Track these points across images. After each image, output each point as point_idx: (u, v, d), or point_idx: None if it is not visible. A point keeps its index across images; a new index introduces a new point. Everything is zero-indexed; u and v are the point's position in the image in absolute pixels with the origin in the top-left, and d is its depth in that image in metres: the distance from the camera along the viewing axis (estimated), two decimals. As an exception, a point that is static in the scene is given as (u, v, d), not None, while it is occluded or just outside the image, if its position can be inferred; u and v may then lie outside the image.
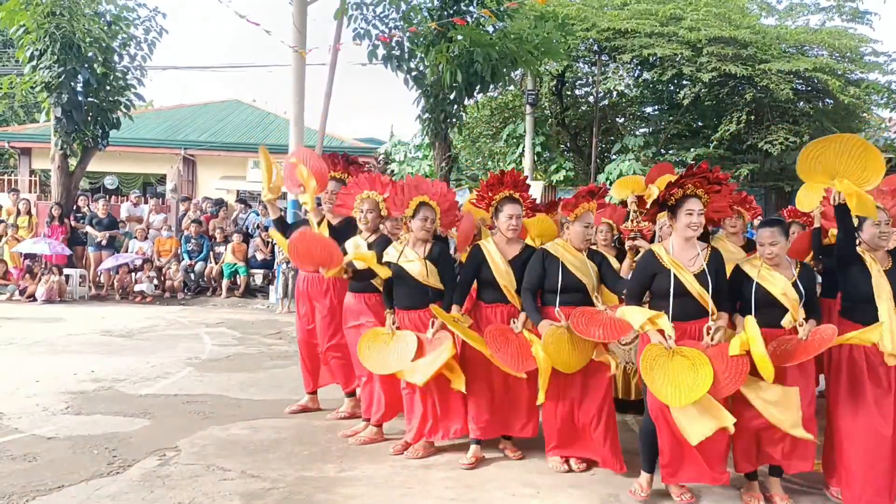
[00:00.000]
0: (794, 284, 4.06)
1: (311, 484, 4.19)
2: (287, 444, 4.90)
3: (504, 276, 4.67)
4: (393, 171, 20.84)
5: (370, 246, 5.03)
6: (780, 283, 4.05)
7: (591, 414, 4.47)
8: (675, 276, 4.07)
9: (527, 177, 5.11)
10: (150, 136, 20.75)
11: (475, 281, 4.84)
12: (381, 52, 11.89)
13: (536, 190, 16.44)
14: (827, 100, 17.69)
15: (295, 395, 6.02)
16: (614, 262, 5.13)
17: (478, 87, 12.26)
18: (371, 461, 4.61)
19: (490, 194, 4.85)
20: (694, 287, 4.06)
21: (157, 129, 21.40)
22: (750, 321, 3.92)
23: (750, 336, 3.85)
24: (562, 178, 19.37)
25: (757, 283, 4.07)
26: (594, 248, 4.99)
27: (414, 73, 12.02)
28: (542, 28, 11.58)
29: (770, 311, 4.05)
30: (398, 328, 4.81)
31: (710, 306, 4.06)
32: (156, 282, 12.88)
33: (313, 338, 5.61)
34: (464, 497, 4.08)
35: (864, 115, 18.57)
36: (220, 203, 14.90)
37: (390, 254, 4.88)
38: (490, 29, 11.90)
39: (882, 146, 17.88)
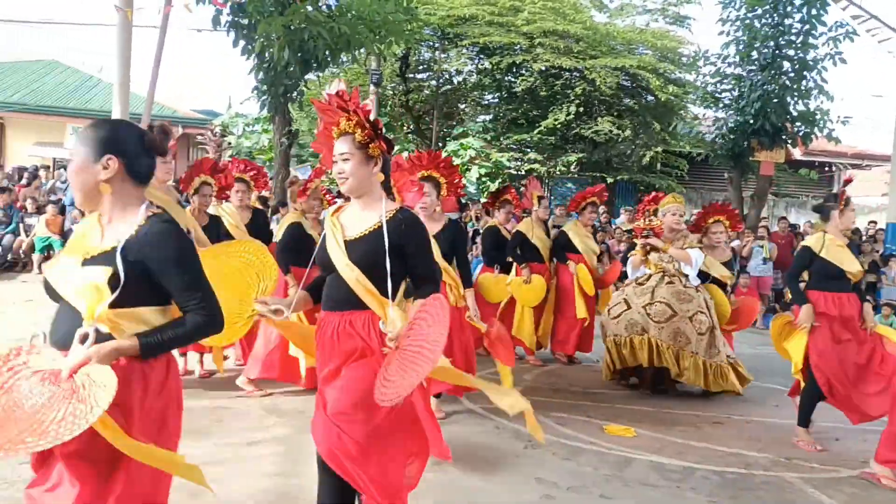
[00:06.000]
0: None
1: (125, 466, 3.97)
2: (101, 426, 4.61)
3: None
4: (230, 143, 20.07)
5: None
6: None
7: None
8: None
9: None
10: (-50, 94, 18.63)
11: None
12: (224, 17, 11.26)
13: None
14: (649, 97, 19.07)
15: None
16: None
17: (315, 66, 11.99)
18: (193, 441, 4.43)
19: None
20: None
21: (-42, 86, 19.24)
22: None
23: None
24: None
25: None
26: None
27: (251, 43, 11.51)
28: (383, 6, 11.46)
29: None
30: None
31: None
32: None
33: None
34: (289, 472, 4.04)
35: (681, 111, 20.21)
36: (33, 171, 13.63)
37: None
38: (329, 5, 11.62)
39: (694, 141, 19.61)
